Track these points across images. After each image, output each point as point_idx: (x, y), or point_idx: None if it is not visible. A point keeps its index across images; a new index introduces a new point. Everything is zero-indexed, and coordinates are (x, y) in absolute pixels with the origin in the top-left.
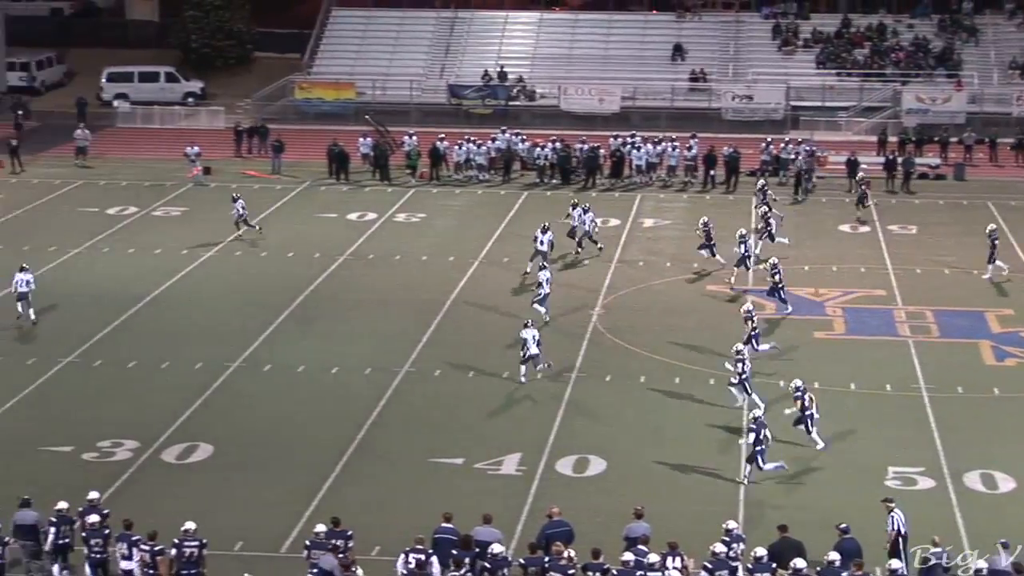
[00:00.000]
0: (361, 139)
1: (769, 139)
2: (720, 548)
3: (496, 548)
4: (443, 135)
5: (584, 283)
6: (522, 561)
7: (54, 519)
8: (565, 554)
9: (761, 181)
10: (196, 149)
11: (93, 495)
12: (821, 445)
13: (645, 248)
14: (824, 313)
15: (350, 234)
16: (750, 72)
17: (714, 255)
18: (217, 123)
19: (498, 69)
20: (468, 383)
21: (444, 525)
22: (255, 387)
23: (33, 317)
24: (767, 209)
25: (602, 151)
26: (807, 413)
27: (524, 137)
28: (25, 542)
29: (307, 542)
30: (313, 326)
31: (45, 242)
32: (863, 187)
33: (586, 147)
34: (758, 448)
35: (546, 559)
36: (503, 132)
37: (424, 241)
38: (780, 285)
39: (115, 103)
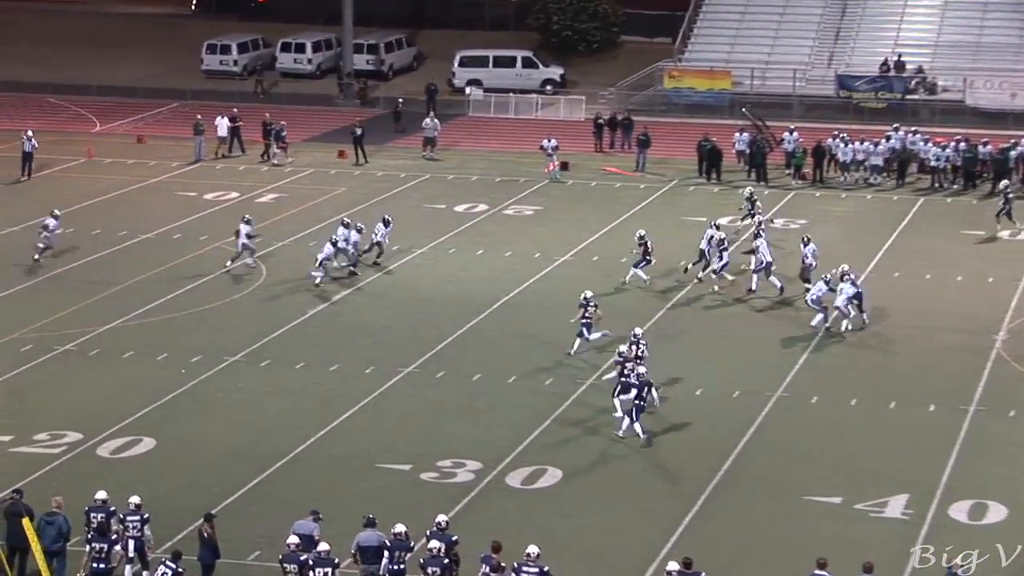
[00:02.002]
0: (737, 134)
1: None
2: None
3: None
4: (837, 132)
5: (987, 305)
6: None
7: (388, 542)
8: None
9: (749, 188)
10: (554, 142)
11: (441, 519)
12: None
13: None
14: None
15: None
16: None
17: (640, 269)
18: (576, 114)
19: (895, 58)
20: (850, 412)
21: (818, 572)
22: (611, 407)
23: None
24: (760, 219)
25: (1014, 152)
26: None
27: (924, 136)
28: (367, 566)
29: None
30: (677, 341)
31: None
32: (1008, 195)
33: (993, 148)
34: (638, 403)
35: None
36: (897, 130)
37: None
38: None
39: (467, 90)
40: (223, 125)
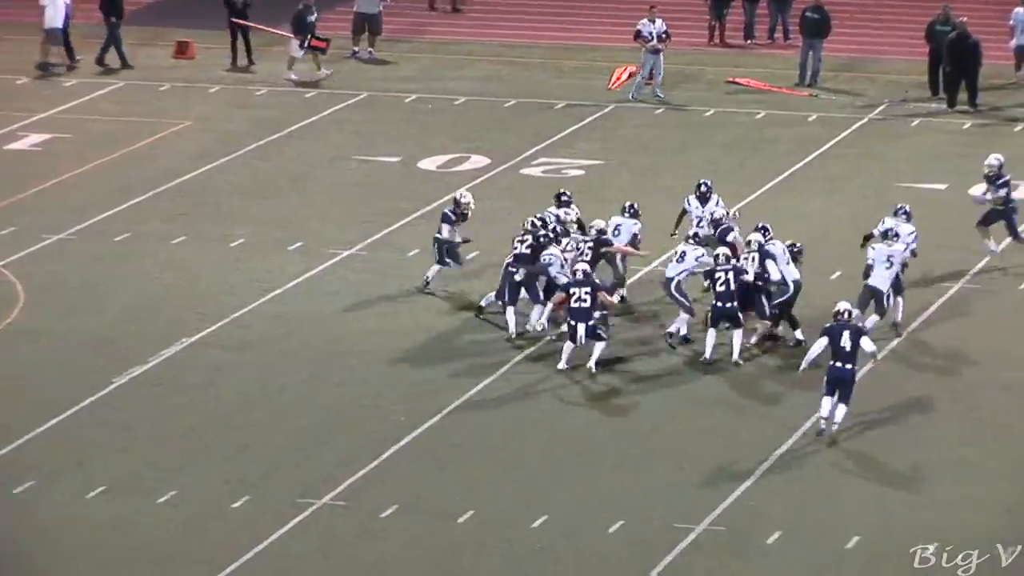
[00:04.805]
0: (1019, 11)
1: None
2: None
3: None
4: None
5: None
6: None
7: None
8: None
9: None
10: (660, 25)
11: None
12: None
13: None
14: None
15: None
16: None
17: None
18: None
19: None
20: None
21: None
22: None
23: None
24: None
25: None
26: None
27: None
28: None
29: None
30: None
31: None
32: None
33: None
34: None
35: None
36: None
37: None
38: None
39: None
40: (57, 5)
